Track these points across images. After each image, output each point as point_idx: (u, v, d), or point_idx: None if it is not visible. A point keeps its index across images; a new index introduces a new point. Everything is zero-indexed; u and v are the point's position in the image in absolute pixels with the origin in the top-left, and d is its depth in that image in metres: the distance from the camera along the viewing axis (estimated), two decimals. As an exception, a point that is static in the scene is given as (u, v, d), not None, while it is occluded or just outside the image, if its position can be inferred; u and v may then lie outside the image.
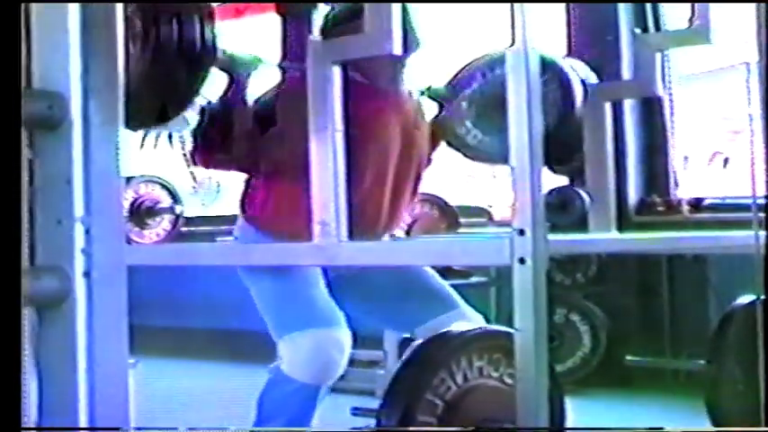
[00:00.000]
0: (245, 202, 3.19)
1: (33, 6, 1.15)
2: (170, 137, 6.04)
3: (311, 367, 2.92)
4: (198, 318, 7.02)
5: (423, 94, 3.26)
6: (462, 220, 5.74)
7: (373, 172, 3.04)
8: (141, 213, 6.07)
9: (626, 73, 5.18)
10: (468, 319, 3.11)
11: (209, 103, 2.99)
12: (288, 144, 2.92)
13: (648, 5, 5.59)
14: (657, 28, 5.50)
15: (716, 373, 3.13)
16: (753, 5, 2.99)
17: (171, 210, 6.26)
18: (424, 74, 3.25)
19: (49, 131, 1.14)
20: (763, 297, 2.77)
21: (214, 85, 2.93)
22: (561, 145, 3.09)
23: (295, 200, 2.81)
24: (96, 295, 1.16)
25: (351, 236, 2.66)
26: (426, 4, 2.46)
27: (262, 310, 3.08)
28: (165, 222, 6.26)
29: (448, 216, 5.66)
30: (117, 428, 1.14)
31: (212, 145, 3.04)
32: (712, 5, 2.99)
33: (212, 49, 2.56)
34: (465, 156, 3.39)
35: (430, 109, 3.31)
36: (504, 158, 3.11)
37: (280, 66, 3.37)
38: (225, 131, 2.99)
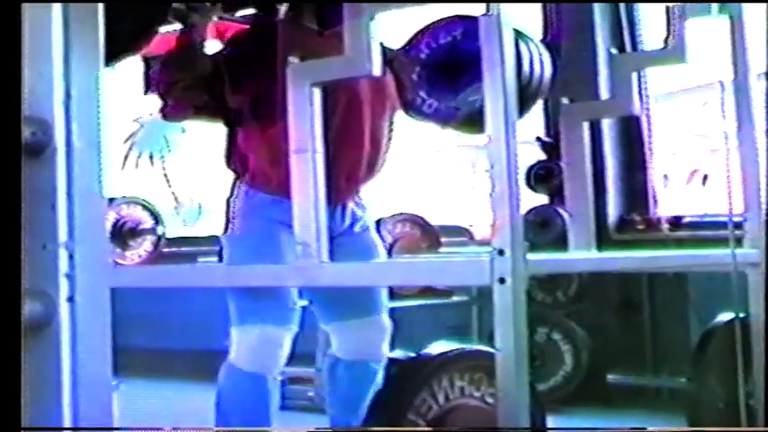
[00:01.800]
0: (230, 160, 3.23)
1: (25, 36, 1.16)
2: (151, 157, 6.04)
3: (255, 356, 3.06)
4: (180, 339, 6.99)
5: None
6: (443, 239, 5.77)
7: (344, 108, 3.08)
8: (123, 234, 6.06)
9: (604, 92, 5.22)
10: (381, 329, 3.20)
11: (170, 53, 3.04)
12: (265, 91, 2.96)
13: (625, 25, 5.63)
14: (634, 48, 5.54)
15: (697, 390, 3.15)
16: (727, 24, 3.03)
17: (153, 231, 6.26)
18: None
19: (34, 157, 1.15)
20: (742, 315, 2.79)
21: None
22: None
23: (276, 150, 2.83)
24: (80, 319, 1.17)
25: (334, 162, 2.72)
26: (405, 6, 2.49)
27: (228, 300, 3.16)
28: (146, 243, 6.25)
29: (429, 235, 5.68)
30: (114, 429, 1.14)
31: (179, 95, 3.10)
32: (687, 24, 3.03)
33: None
34: (422, 122, 3.42)
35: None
36: (460, 125, 3.14)
37: (237, 18, 3.40)
38: (186, 81, 3.04)
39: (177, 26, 3.09)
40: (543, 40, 5.03)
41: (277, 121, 2.60)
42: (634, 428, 4.29)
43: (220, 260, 5.15)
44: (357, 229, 3.23)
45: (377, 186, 3.36)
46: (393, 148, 3.34)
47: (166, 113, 3.20)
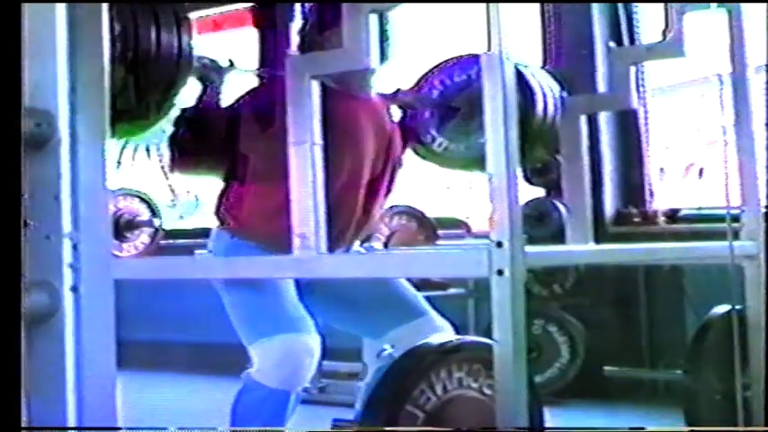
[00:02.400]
0: (220, 209, 3.20)
1: (25, 26, 1.16)
2: (147, 149, 6.04)
3: (280, 372, 2.94)
4: (177, 331, 7.00)
5: (388, 98, 3.28)
6: (440, 232, 5.77)
7: (347, 172, 3.06)
8: (120, 227, 6.05)
9: (601, 86, 5.22)
10: (436, 327, 3.13)
11: (185, 110, 3.01)
12: (262, 151, 2.96)
13: (623, 19, 5.64)
14: (632, 41, 5.55)
15: (693, 382, 3.16)
16: (725, 18, 3.04)
17: (150, 223, 6.25)
18: (388, 79, 3.27)
19: (38, 149, 1.16)
20: (738, 307, 2.80)
21: (189, 92, 2.95)
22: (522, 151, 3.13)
23: (269, 207, 2.84)
24: (84, 309, 1.17)
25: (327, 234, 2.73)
26: (401, 7, 2.50)
27: (234, 320, 3.10)
28: (143, 236, 6.24)
29: (426, 228, 5.68)
30: (115, 428, 1.15)
31: (189, 152, 3.07)
32: (685, 18, 3.03)
33: (189, 57, 2.57)
34: (433, 163, 3.42)
35: (396, 113, 3.34)
36: (470, 165, 3.15)
37: (254, 72, 3.38)
38: (200, 138, 3.02)
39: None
40: (544, 67, 5.05)
41: (275, 177, 2.60)
42: (633, 428, 4.30)
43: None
44: None
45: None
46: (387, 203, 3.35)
47: (174, 166, 3.18)
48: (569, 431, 3.72)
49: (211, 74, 2.99)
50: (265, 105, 2.99)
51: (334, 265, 2.53)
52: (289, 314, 3.01)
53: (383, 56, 3.05)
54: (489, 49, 2.06)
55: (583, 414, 5.07)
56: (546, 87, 3.21)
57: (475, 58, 3.18)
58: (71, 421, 1.13)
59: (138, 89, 2.48)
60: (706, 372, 3.09)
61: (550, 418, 2.78)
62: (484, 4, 2.10)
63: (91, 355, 1.17)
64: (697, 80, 6.24)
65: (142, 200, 6.28)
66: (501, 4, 2.07)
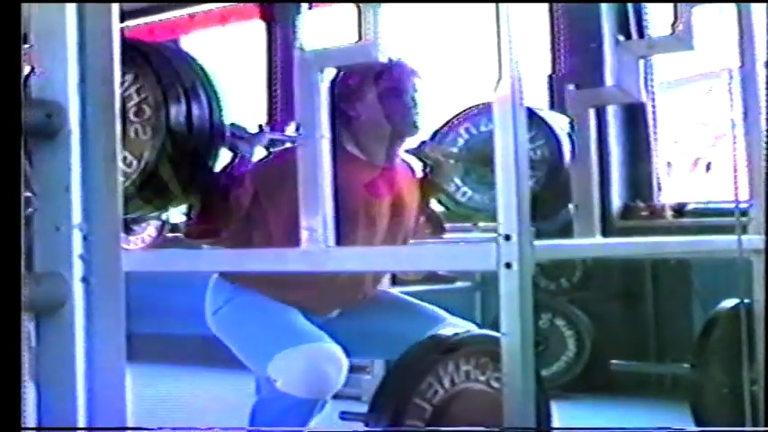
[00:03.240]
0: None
1: (31, 16, 1.17)
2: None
3: (309, 381, 2.85)
4: (181, 324, 7.01)
5: (411, 153, 3.27)
6: (447, 225, 5.76)
7: (361, 241, 3.04)
8: (127, 219, 6.06)
9: (609, 79, 5.21)
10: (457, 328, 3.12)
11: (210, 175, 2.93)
12: (282, 223, 2.92)
13: (631, 12, 5.63)
14: (640, 35, 5.53)
15: (700, 376, 3.16)
16: (734, 12, 3.03)
17: (157, 216, 6.25)
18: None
19: (48, 140, 1.16)
20: (746, 301, 2.80)
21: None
22: (549, 200, 3.12)
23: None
24: (94, 301, 1.18)
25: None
26: (416, 16, 2.50)
27: (243, 344, 3.06)
28: (150, 229, 6.25)
29: (433, 221, 5.68)
30: (118, 428, 1.15)
31: (210, 220, 2.97)
32: (694, 12, 3.02)
33: (221, 128, 2.57)
34: (455, 214, 3.41)
35: (418, 167, 3.32)
36: (494, 216, 3.15)
37: (284, 137, 3.26)
38: (224, 207, 2.94)
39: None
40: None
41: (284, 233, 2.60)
42: (635, 429, 4.31)
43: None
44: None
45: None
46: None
47: (193, 235, 3.08)
48: (573, 431, 3.72)
49: (241, 143, 2.90)
50: (283, 173, 2.89)
51: (342, 258, 2.53)
52: (305, 326, 2.99)
53: (414, 127, 3.07)
54: (500, 74, 2.04)
55: (589, 408, 5.08)
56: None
57: None
58: (80, 412, 1.13)
59: (172, 167, 2.47)
60: (713, 366, 3.09)
61: (557, 411, 2.78)
62: (493, 6, 2.10)
63: (101, 347, 1.18)
64: (705, 74, 6.23)
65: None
66: (511, 10, 2.06)
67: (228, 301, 3.12)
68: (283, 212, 2.83)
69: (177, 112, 2.48)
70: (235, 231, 3.02)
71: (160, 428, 3.14)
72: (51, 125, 1.14)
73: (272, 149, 3.04)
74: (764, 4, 2.94)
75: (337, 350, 2.90)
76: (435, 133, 3.39)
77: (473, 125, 3.30)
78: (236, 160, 2.88)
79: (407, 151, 3.24)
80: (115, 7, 1.19)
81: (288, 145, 3.00)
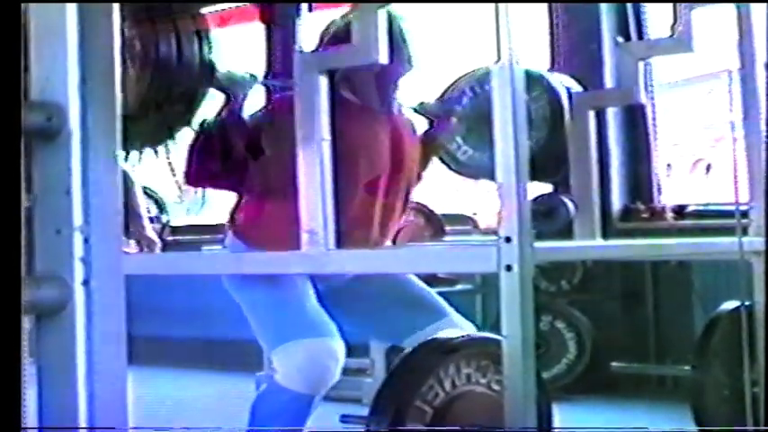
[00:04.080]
0: (234, 216, 3.19)
1: (31, 17, 1.17)
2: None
3: (306, 376, 2.89)
4: (181, 327, 7.01)
5: (414, 110, 3.27)
6: (447, 227, 5.77)
7: (364, 188, 3.04)
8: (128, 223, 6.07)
9: (609, 81, 5.22)
10: (458, 327, 3.11)
11: (205, 121, 2.98)
12: (280, 165, 2.93)
13: (631, 14, 5.63)
14: (640, 36, 5.54)
15: (701, 378, 3.16)
16: (734, 13, 3.03)
17: (157, 219, 6.27)
18: (415, 90, 3.25)
19: (48, 142, 1.16)
20: (746, 303, 2.80)
21: (210, 104, 2.94)
22: (550, 159, 3.12)
23: (285, 219, 2.81)
24: (95, 303, 1.18)
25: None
26: (417, 16, 2.52)
27: (254, 323, 3.06)
28: (151, 232, 6.26)
29: (433, 224, 5.68)
30: (117, 429, 1.15)
31: (207, 164, 3.03)
32: (694, 13, 3.03)
33: (209, 68, 2.57)
34: (455, 171, 3.41)
35: (421, 125, 3.31)
36: (494, 173, 3.15)
37: (265, 83, 3.33)
38: (220, 151, 2.98)
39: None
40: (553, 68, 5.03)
41: (286, 192, 2.60)
42: (636, 428, 4.30)
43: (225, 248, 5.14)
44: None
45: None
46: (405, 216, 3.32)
47: (191, 179, 3.12)
48: (574, 431, 3.72)
49: (234, 87, 2.95)
50: (285, 116, 2.95)
51: (343, 260, 2.53)
52: (312, 318, 2.98)
53: (401, 67, 3.04)
54: (499, 57, 2.05)
55: (590, 409, 5.07)
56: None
57: None
58: (81, 415, 1.13)
59: (159, 98, 2.47)
60: (714, 368, 3.09)
61: (558, 413, 2.77)
62: (492, 6, 2.10)
63: (101, 350, 1.17)
64: (704, 76, 6.23)
65: (150, 196, 6.29)
66: (510, 5, 2.07)
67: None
68: (284, 158, 2.84)
69: (166, 46, 2.47)
70: (232, 175, 3.05)
71: (160, 429, 3.15)
72: (52, 127, 1.14)
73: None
74: (764, 5, 2.94)
75: (336, 346, 2.93)
76: (440, 95, 3.39)
77: (476, 85, 3.30)
78: (229, 103, 2.95)
79: (409, 109, 3.24)
80: (116, 8, 1.19)
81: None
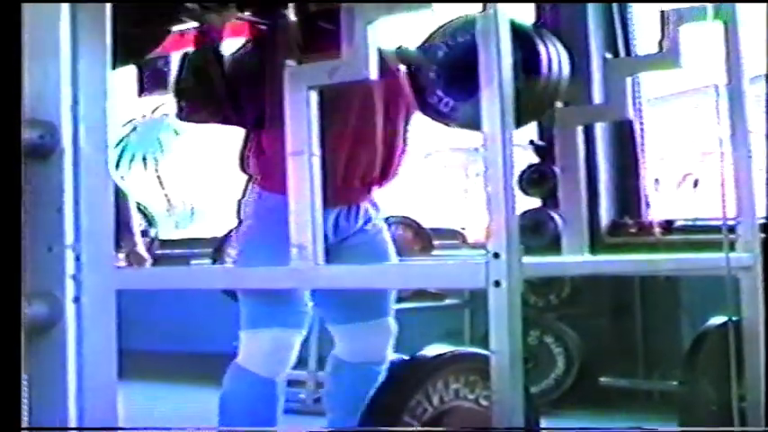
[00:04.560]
0: (243, 162, 3.22)
1: (25, 37, 1.17)
2: (144, 159, 6.05)
3: (267, 361, 3.05)
4: (171, 341, 6.99)
5: (393, 54, 3.27)
6: (435, 242, 5.78)
7: (357, 113, 3.08)
8: (116, 236, 6.06)
9: (597, 97, 5.23)
10: (390, 332, 3.19)
11: (186, 54, 3.02)
12: (271, 96, 2.96)
13: (619, 30, 5.65)
14: (628, 53, 5.56)
15: (689, 393, 3.17)
16: (721, 29, 3.05)
17: (146, 233, 6.26)
18: (394, 35, 3.24)
19: (40, 160, 1.16)
20: (734, 318, 2.81)
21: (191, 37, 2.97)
22: (526, 109, 3.11)
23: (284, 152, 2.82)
24: (86, 320, 1.18)
25: (349, 162, 2.77)
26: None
27: (240, 298, 3.15)
28: (140, 246, 6.25)
29: (421, 238, 5.70)
30: (117, 428, 1.15)
31: (194, 97, 3.08)
32: (681, 29, 3.04)
33: None
34: (440, 122, 3.41)
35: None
36: (477, 123, 3.16)
37: (241, 17, 3.35)
38: (204, 81, 3.03)
39: (190, 25, 3.08)
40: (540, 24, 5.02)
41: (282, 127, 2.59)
42: (631, 428, 4.30)
43: (214, 262, 5.15)
44: (370, 229, 3.22)
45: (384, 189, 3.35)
46: (410, 151, 3.33)
47: (183, 112, 3.17)
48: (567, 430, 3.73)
49: (210, 16, 3.00)
50: (270, 51, 3.00)
51: (332, 275, 2.53)
52: (285, 308, 3.07)
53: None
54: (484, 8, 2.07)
55: (578, 424, 5.07)
56: (551, 47, 3.20)
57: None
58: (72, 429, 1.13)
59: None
60: (702, 382, 3.10)
61: (547, 428, 2.78)
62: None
63: (92, 366, 1.18)
64: (691, 90, 6.25)
65: (139, 209, 6.28)
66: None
67: (249, 217, 3.20)
68: (278, 82, 2.87)
69: None
70: (219, 107, 3.09)
71: (159, 429, 3.18)
72: (44, 145, 1.14)
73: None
74: (754, 18, 2.96)
75: (296, 337, 3.08)
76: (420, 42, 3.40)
77: (450, 36, 3.30)
78: (208, 35, 3.01)
79: (390, 52, 3.25)
80: (108, 28, 1.20)
81: None
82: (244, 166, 3.22)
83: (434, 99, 3.32)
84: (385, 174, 3.22)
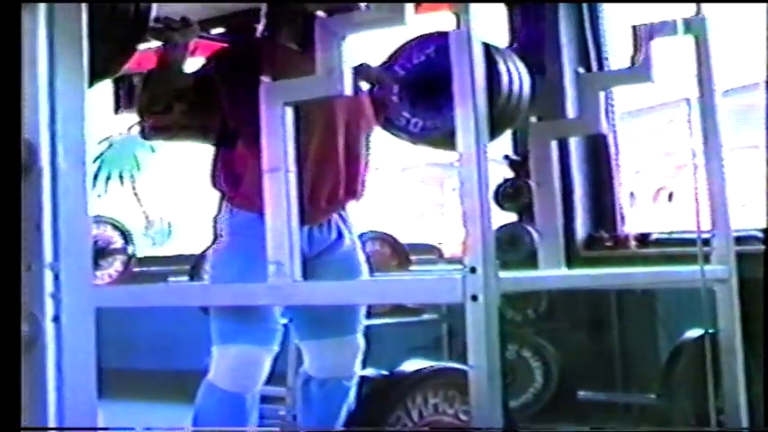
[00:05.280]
0: (215, 179, 3.23)
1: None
2: (121, 176, 6.03)
3: (233, 376, 3.06)
4: (150, 358, 6.96)
5: (355, 70, 3.30)
6: (413, 257, 5.78)
7: (320, 132, 3.09)
8: (94, 254, 6.02)
9: (571, 111, 5.26)
10: (358, 349, 3.21)
11: (150, 71, 3.04)
12: (235, 113, 2.98)
13: (591, 44, 5.68)
14: (600, 67, 5.59)
15: (667, 406, 3.18)
16: (691, 43, 3.08)
17: (123, 250, 6.23)
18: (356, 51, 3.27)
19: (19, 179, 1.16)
20: (711, 331, 2.83)
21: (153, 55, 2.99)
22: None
23: (254, 168, 2.80)
24: (65, 338, 1.18)
25: (314, 181, 2.79)
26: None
27: (210, 315, 3.16)
28: (117, 263, 6.23)
29: (399, 254, 5.70)
30: (117, 428, 1.15)
31: (157, 115, 3.11)
32: (653, 44, 3.07)
33: (146, 13, 2.55)
34: (414, 144, 3.43)
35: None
36: (447, 139, 3.17)
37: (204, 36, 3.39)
38: (167, 101, 3.06)
39: (156, 44, 3.10)
40: (511, 48, 5.06)
41: (258, 140, 2.60)
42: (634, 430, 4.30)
43: (191, 279, 5.14)
44: (344, 244, 3.23)
45: (360, 205, 3.36)
46: (372, 167, 3.34)
47: (146, 131, 3.20)
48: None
49: (174, 35, 3.03)
50: (237, 69, 3.03)
51: (309, 292, 2.54)
52: (254, 325, 3.07)
53: None
54: (458, 25, 2.08)
55: (557, 438, 5.08)
56: (512, 65, 3.23)
57: (431, 37, 3.22)
58: (52, 450, 1.13)
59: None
60: (680, 395, 3.11)
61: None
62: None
63: (72, 384, 1.17)
64: (664, 104, 6.29)
65: (115, 227, 6.26)
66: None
67: (221, 233, 3.21)
68: (239, 99, 2.88)
69: None
70: (185, 124, 3.11)
71: (158, 428, 3.19)
72: (23, 164, 1.14)
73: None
74: (763, 5, 2.98)
75: (265, 354, 3.09)
76: (383, 60, 3.42)
77: (406, 59, 3.33)
78: (171, 53, 3.04)
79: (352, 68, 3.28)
80: (85, 46, 1.20)
81: None
82: (215, 182, 3.22)
83: (402, 121, 3.35)
84: (351, 191, 3.23)
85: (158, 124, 3.15)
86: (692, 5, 3.14)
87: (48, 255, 1.17)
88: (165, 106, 3.08)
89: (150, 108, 3.10)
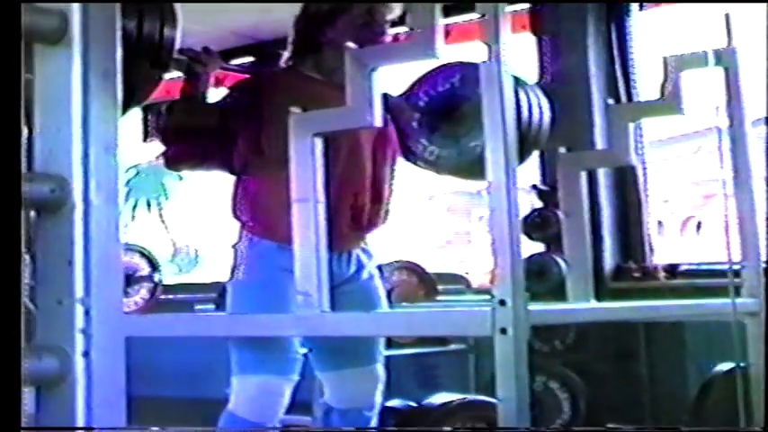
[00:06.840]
0: (235, 209, 3.23)
1: (36, 89, 1.18)
2: (148, 204, 6.06)
3: (254, 407, 3.09)
4: (172, 386, 6.96)
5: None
6: (440, 287, 5.77)
7: (345, 158, 3.10)
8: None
9: (600, 142, 5.25)
10: (378, 379, 3.22)
11: (174, 102, 3.07)
12: (257, 142, 3.00)
13: (620, 75, 5.67)
14: (629, 98, 5.58)
15: (696, 439, 3.15)
16: (721, 73, 3.07)
17: (150, 278, 6.25)
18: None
19: (51, 214, 1.17)
20: (741, 364, 2.80)
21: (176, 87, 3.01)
22: None
23: (281, 200, 2.82)
24: (95, 373, 1.18)
25: (337, 209, 2.79)
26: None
27: (230, 344, 3.18)
28: (143, 291, 6.24)
29: (426, 284, 5.68)
30: (117, 428, 1.15)
31: (180, 143, 3.13)
32: (683, 75, 3.06)
33: (171, 44, 2.56)
34: (428, 170, 3.43)
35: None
36: (462, 170, 3.17)
37: (226, 67, 3.43)
38: (191, 129, 3.08)
39: (180, 74, 3.13)
40: (539, 84, 5.08)
41: (280, 169, 2.60)
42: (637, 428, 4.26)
43: (218, 308, 5.15)
44: (363, 276, 3.24)
45: (386, 233, 3.37)
46: (396, 196, 3.35)
47: (169, 161, 3.22)
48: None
49: (196, 66, 3.06)
50: (258, 99, 3.05)
51: (337, 323, 2.52)
52: (273, 355, 3.10)
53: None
54: (489, 59, 2.08)
55: (584, 471, 5.03)
56: (533, 98, 3.24)
57: (456, 67, 3.23)
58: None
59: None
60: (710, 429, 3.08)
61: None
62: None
63: (101, 416, 1.17)
64: (693, 133, 6.27)
65: (142, 254, 6.28)
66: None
67: (241, 262, 3.22)
68: (269, 140, 2.92)
69: (129, 25, 2.45)
70: (205, 155, 3.13)
71: (161, 428, 3.21)
72: (55, 199, 1.15)
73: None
74: (764, 4, 2.97)
75: (286, 384, 3.11)
76: (402, 94, 3.43)
77: (431, 86, 3.33)
78: (193, 84, 3.09)
79: None
80: (119, 80, 1.20)
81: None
82: (235, 211, 3.23)
83: (419, 148, 3.36)
84: (374, 220, 3.23)
85: (180, 154, 3.18)
86: (721, 36, 3.12)
87: (78, 290, 1.17)
88: (187, 136, 3.11)
89: (172, 138, 3.13)
